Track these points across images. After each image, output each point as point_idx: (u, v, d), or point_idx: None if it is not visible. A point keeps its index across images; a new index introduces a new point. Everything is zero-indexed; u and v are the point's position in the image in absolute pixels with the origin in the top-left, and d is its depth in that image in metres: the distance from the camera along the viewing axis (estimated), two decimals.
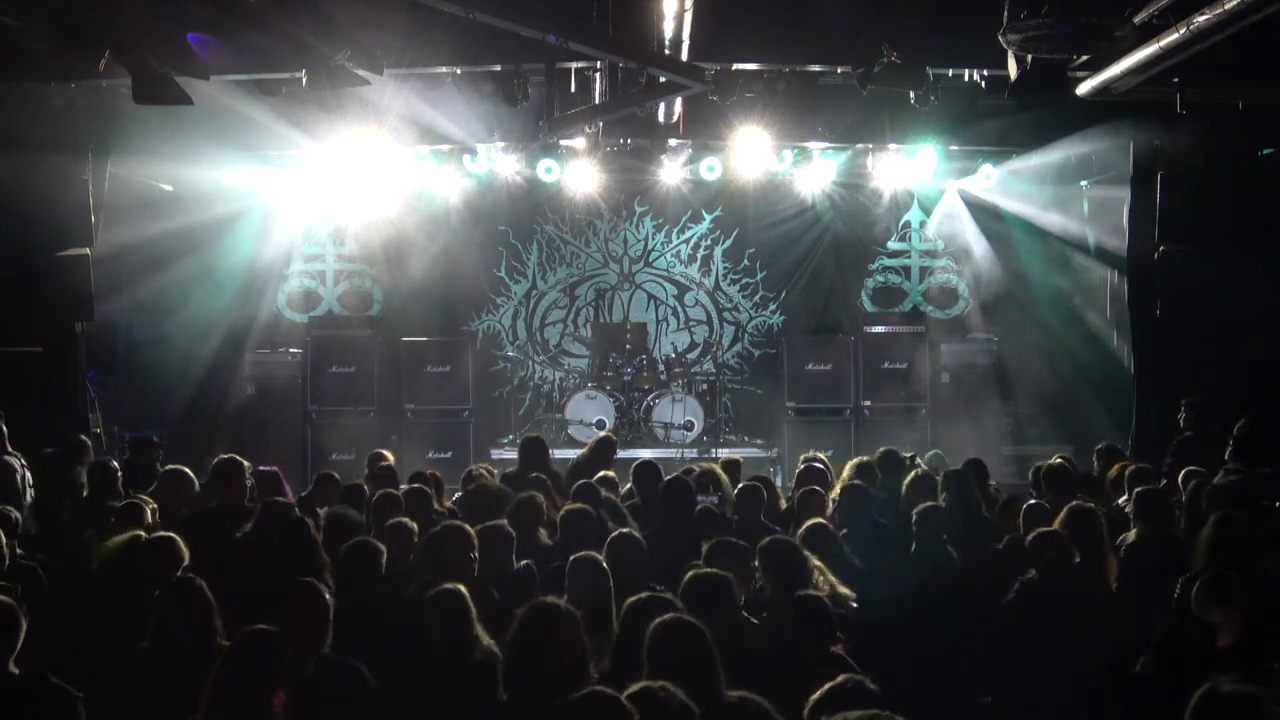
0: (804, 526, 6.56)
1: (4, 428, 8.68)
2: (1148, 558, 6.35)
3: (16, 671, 4.46)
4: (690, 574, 5.02)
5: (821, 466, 8.60)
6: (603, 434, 10.05)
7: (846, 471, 8.26)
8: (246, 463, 7.61)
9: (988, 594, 6.19)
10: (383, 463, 9.06)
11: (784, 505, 8.06)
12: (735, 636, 4.74)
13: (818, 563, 5.83)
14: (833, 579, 5.84)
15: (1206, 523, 6.06)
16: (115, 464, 8.27)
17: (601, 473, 8.32)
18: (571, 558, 5.49)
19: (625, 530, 6.17)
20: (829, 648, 4.82)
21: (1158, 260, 11.80)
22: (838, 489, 7.75)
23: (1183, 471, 8.03)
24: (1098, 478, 8.71)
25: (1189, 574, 5.48)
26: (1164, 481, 8.18)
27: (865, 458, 8.62)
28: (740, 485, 7.69)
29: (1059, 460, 8.65)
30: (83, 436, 9.06)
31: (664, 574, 5.96)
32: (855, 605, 5.69)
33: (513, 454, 11.16)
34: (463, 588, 5.08)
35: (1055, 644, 5.67)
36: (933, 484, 7.53)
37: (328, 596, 4.86)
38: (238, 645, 4.40)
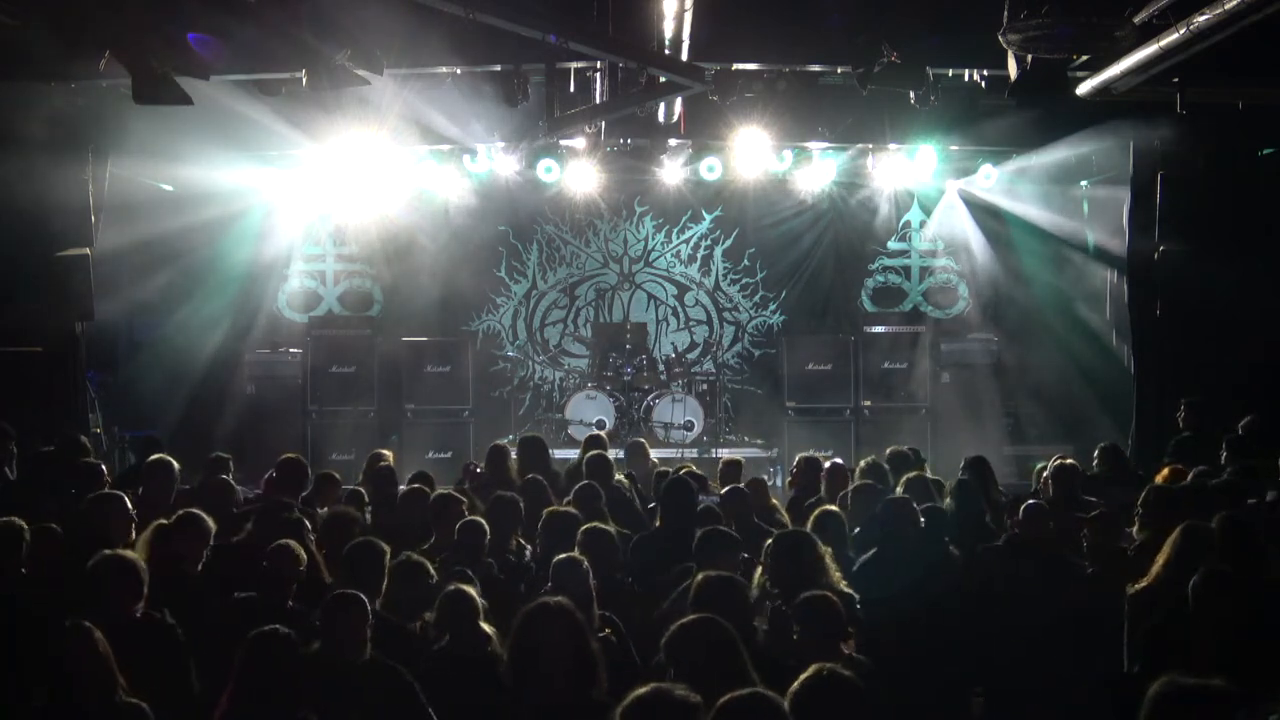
0: (814, 514, 6.59)
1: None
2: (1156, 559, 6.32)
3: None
4: (700, 576, 5.02)
5: (841, 463, 8.76)
6: (592, 433, 10.00)
7: (857, 472, 8.32)
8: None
9: (982, 591, 6.19)
10: (382, 463, 9.06)
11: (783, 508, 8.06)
12: (747, 638, 4.74)
13: (829, 561, 5.81)
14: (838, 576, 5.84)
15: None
16: (103, 466, 8.25)
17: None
18: (555, 559, 5.50)
19: (595, 524, 6.17)
20: (839, 648, 4.82)
21: (1158, 260, 11.80)
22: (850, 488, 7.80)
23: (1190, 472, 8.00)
24: (1095, 477, 8.70)
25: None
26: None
27: (874, 457, 8.64)
28: (726, 489, 7.68)
29: (1067, 460, 8.65)
30: (81, 437, 9.01)
31: (664, 573, 5.99)
32: (859, 606, 5.69)
33: (512, 454, 11.15)
34: (469, 588, 5.12)
35: (1056, 641, 5.68)
36: (926, 485, 7.54)
37: (368, 604, 4.84)
38: (249, 646, 4.42)
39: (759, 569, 5.81)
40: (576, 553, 5.70)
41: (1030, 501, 6.96)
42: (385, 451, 9.59)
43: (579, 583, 5.29)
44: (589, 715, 4.20)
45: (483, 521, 6.45)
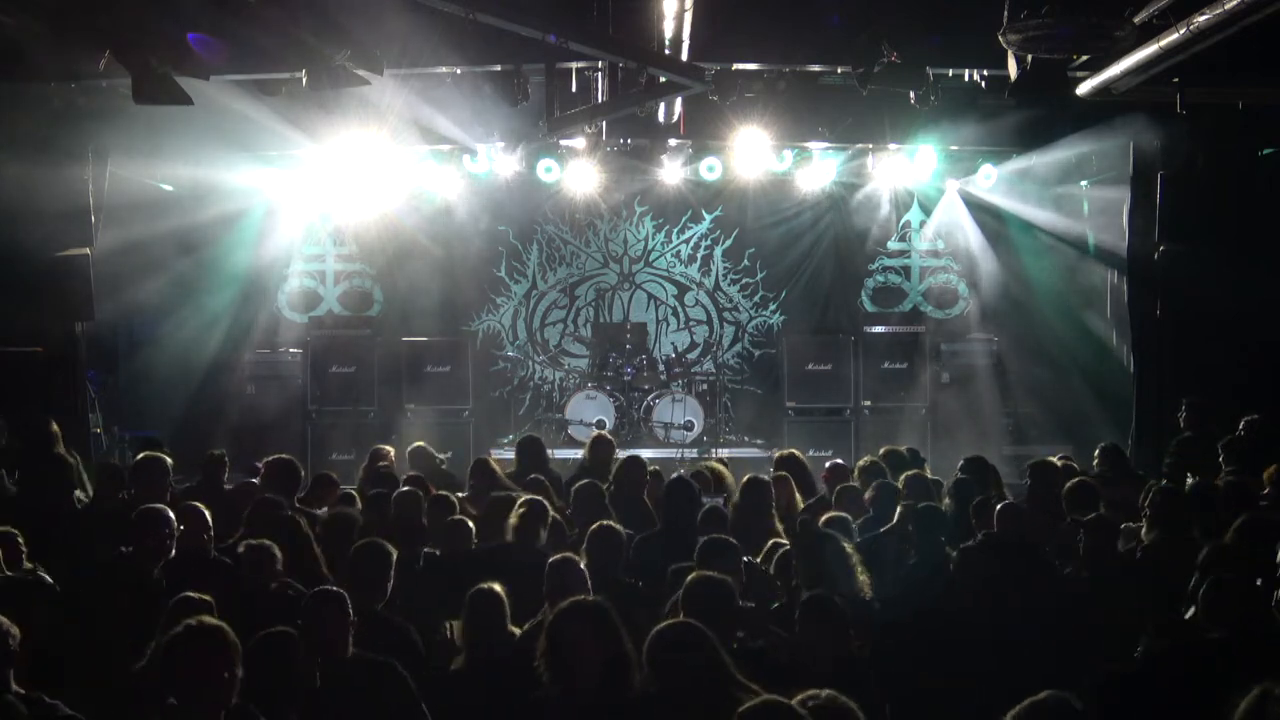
0: (824, 518, 6.61)
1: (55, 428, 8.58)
2: (1163, 559, 6.32)
3: (20, 692, 4.22)
4: (691, 576, 5.04)
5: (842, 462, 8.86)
6: (596, 434, 10.02)
7: (856, 471, 8.34)
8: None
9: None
10: (381, 462, 9.04)
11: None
12: (734, 638, 4.77)
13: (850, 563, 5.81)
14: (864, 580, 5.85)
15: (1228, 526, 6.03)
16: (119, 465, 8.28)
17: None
18: (551, 559, 5.50)
19: (605, 523, 6.18)
20: (846, 649, 4.84)
21: (1158, 260, 11.80)
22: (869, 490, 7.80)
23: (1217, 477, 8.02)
24: (1096, 477, 8.69)
25: (1200, 574, 5.48)
26: (1164, 481, 8.17)
27: (872, 457, 8.65)
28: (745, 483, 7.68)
29: (1061, 460, 8.65)
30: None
31: (663, 574, 5.99)
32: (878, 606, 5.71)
33: (512, 454, 11.15)
34: (498, 586, 5.14)
35: (1055, 641, 5.68)
36: (927, 484, 7.55)
37: (348, 600, 4.85)
38: (253, 648, 4.41)
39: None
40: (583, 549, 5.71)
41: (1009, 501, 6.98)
42: (386, 448, 9.58)
43: (578, 582, 5.27)
44: (622, 715, 4.21)
45: None
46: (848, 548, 5.76)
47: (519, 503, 6.67)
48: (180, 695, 3.95)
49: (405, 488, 7.60)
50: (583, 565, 5.48)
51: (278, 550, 5.69)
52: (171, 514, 6.05)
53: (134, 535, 5.99)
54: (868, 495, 7.64)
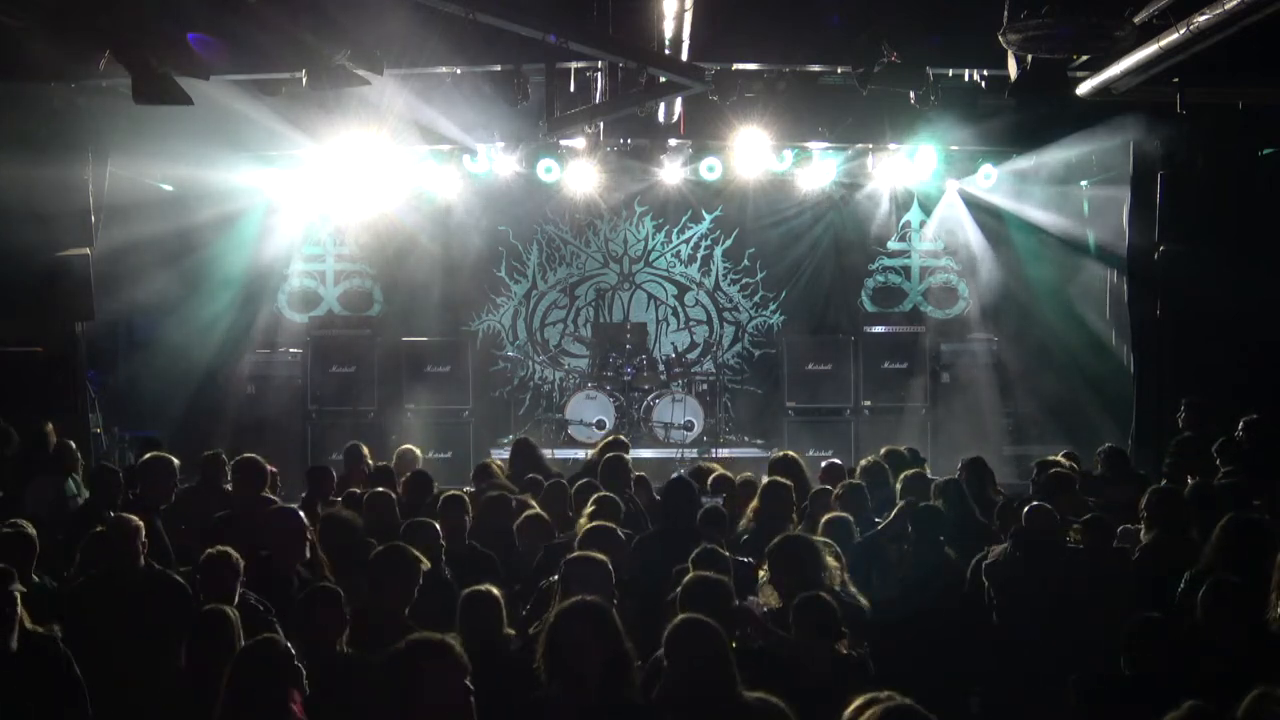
0: (823, 520, 6.62)
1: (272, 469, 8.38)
2: (1161, 560, 6.32)
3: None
4: (689, 576, 5.04)
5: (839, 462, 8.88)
6: (612, 437, 10.02)
7: (857, 471, 8.35)
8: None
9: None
10: (380, 463, 9.03)
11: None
12: (733, 638, 4.77)
13: (834, 562, 5.82)
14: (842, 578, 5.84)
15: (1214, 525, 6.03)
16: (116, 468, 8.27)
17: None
18: (568, 557, 5.49)
19: (600, 523, 6.17)
20: (838, 649, 4.83)
21: (1158, 260, 11.81)
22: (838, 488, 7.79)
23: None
24: (1098, 478, 8.70)
25: (1191, 573, 5.48)
26: (1164, 482, 8.17)
27: (873, 457, 8.65)
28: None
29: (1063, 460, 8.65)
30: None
31: (665, 574, 5.99)
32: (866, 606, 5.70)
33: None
34: (495, 589, 5.13)
35: (1053, 640, 5.69)
36: (926, 483, 7.55)
37: (344, 600, 4.87)
38: (244, 654, 4.41)
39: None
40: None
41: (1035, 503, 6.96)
42: (414, 449, 9.61)
43: (601, 581, 5.23)
44: (622, 714, 4.21)
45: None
46: (825, 550, 5.73)
47: (592, 500, 6.74)
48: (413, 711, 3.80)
49: (379, 488, 7.62)
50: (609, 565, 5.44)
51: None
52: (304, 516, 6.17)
53: (272, 536, 6.01)
54: (835, 494, 7.65)
